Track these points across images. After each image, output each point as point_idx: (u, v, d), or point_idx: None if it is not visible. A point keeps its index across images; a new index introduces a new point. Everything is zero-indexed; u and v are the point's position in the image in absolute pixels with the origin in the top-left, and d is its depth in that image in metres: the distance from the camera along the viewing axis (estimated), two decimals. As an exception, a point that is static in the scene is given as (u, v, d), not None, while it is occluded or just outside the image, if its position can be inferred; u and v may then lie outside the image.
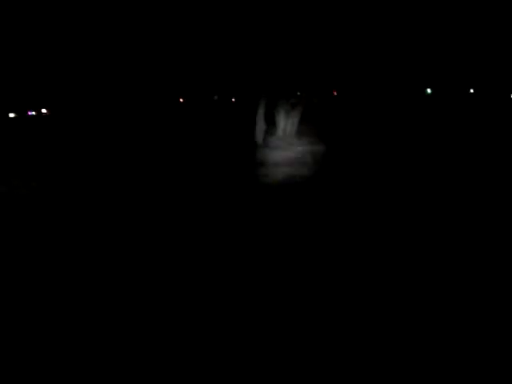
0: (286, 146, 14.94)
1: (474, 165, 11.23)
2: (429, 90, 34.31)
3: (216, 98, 27.28)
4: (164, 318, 4.01)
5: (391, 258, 5.20)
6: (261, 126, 16.32)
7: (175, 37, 20.16)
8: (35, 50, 20.22)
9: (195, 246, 5.86)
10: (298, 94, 18.69)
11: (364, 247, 5.65)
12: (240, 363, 3.31)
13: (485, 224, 6.46)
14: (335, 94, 24.96)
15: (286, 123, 17.17)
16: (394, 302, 4.11)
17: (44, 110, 21.95)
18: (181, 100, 27.28)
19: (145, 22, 20.08)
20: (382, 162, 12.06)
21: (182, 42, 20.60)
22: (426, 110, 28.51)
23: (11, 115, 20.34)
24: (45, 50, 20.32)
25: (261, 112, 16.47)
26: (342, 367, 3.22)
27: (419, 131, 18.53)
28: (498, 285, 4.40)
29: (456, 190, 8.73)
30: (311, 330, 3.71)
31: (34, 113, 21.35)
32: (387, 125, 20.20)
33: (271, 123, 16.72)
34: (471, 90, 35.26)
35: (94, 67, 21.81)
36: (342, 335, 3.60)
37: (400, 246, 5.63)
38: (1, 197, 8.66)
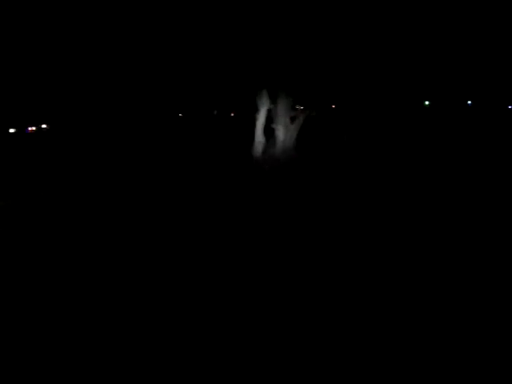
0: (284, 159, 14.96)
1: (471, 173, 11.25)
2: (427, 102, 34.49)
3: (215, 112, 27.46)
4: (164, 317, 3.98)
5: (391, 258, 5.18)
6: (259, 139, 16.37)
7: (175, 51, 20.31)
8: (34, 60, 20.34)
9: (193, 247, 5.87)
10: (297, 107, 18.79)
11: (364, 247, 5.63)
12: (240, 363, 3.27)
13: (485, 224, 6.45)
14: (333, 107, 25.12)
15: (285, 136, 17.22)
16: (393, 302, 4.08)
17: (44, 126, 22.03)
18: (180, 115, 27.44)
19: (143, 32, 20.22)
20: (382, 172, 12.09)
21: (181, 56, 20.75)
22: (424, 122, 28.63)
23: (11, 130, 20.40)
24: (44, 59, 20.45)
25: (259, 125, 16.53)
26: (342, 367, 3.18)
27: (417, 143, 18.59)
28: (498, 284, 4.38)
29: (453, 198, 8.72)
30: (311, 329, 3.68)
31: (33, 128, 21.41)
32: (386, 137, 20.27)
33: (270, 137, 16.77)
34: (469, 102, 35.45)
35: (90, 80, 21.94)
36: (342, 335, 3.56)
37: (399, 247, 5.61)
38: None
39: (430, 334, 3.56)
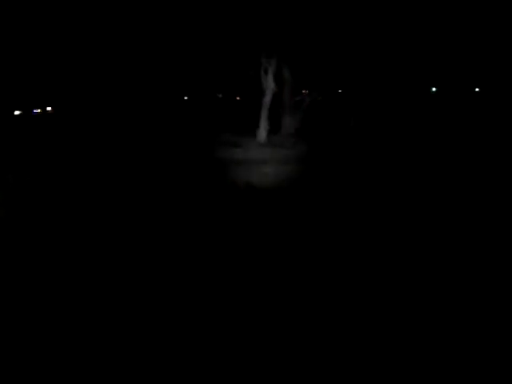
0: (289, 145, 14.90)
1: (475, 165, 11.17)
2: (434, 89, 34.15)
3: (220, 96, 27.30)
4: (163, 316, 4.00)
5: (390, 258, 5.17)
6: (264, 124, 16.30)
7: (179, 33, 20.13)
8: (38, 50, 20.31)
9: (193, 244, 5.86)
10: (303, 91, 18.65)
11: (364, 246, 5.62)
12: (240, 363, 3.29)
13: (485, 224, 6.41)
14: (340, 91, 24.89)
15: (291, 122, 17.15)
16: (393, 302, 4.09)
17: (49, 108, 22.00)
18: (185, 98, 27.30)
19: (150, 20, 20.06)
20: (385, 162, 12.02)
21: (186, 39, 20.57)
22: (430, 109, 28.37)
23: (16, 113, 20.40)
24: (47, 48, 20.40)
25: (265, 110, 16.44)
26: (342, 367, 3.20)
27: (424, 130, 18.44)
28: (498, 284, 4.37)
29: (456, 194, 8.68)
30: (310, 329, 3.69)
31: (38, 110, 21.40)
32: (392, 124, 20.11)
33: (275, 122, 16.69)
34: (476, 89, 35.03)
35: (99, 68, 21.86)
36: (342, 335, 3.58)
37: (399, 247, 5.59)
38: None
39: (430, 333, 3.56)
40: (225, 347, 3.49)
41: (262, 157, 12.91)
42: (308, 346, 3.47)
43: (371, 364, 3.22)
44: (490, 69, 32.55)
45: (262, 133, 16.18)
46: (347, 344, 3.47)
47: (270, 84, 16.42)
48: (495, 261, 4.99)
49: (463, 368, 3.14)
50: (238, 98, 26.58)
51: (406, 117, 23.41)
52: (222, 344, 3.54)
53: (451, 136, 16.57)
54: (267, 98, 16.40)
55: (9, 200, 8.10)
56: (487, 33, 27.55)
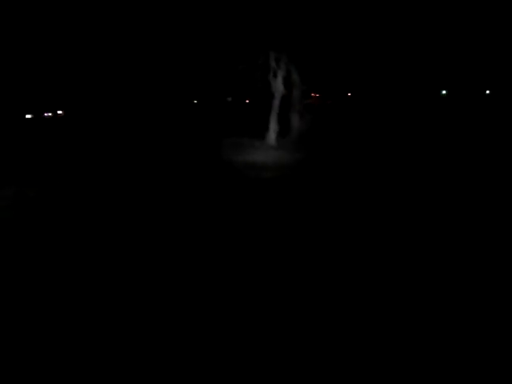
0: (298, 147, 14.88)
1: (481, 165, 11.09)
2: (444, 92, 34.02)
3: (230, 99, 27.40)
4: (163, 316, 4.01)
5: (389, 259, 5.14)
6: (273, 126, 16.33)
7: (190, 38, 20.23)
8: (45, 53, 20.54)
9: (196, 243, 5.87)
10: (312, 94, 18.64)
11: (363, 246, 5.59)
12: (239, 363, 3.29)
13: (485, 224, 6.36)
14: (349, 95, 24.86)
15: (300, 125, 17.15)
16: (392, 302, 4.06)
17: (59, 112, 22.24)
18: (195, 101, 27.45)
19: (161, 25, 20.20)
20: (393, 163, 11.97)
21: (196, 43, 20.67)
22: (441, 112, 28.20)
23: (28, 116, 20.64)
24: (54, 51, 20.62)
25: (274, 113, 16.47)
26: (342, 367, 3.18)
27: (434, 133, 18.32)
28: (498, 284, 4.34)
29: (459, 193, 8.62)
30: (309, 329, 3.68)
31: (50, 114, 21.64)
32: (401, 127, 20.02)
33: (284, 124, 16.70)
34: (487, 91, 34.80)
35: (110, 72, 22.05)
36: (342, 335, 3.56)
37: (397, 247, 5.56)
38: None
39: (430, 333, 3.54)
40: (224, 347, 3.49)
41: (271, 159, 12.91)
42: (308, 345, 3.45)
43: (371, 364, 3.20)
44: (500, 71, 32.32)
45: (272, 135, 16.21)
46: (347, 344, 3.45)
47: (279, 87, 16.45)
48: (495, 261, 4.95)
49: (463, 368, 3.11)
50: (247, 101, 26.66)
51: (416, 119, 23.29)
52: (222, 343, 3.53)
53: (461, 138, 16.45)
54: (276, 102, 16.43)
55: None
56: (497, 35, 27.36)
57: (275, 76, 16.66)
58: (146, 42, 21.36)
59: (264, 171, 11.11)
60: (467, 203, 7.76)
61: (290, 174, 10.64)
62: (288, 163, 12.14)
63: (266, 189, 9.23)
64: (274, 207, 7.75)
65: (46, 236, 6.35)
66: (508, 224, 6.48)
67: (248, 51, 18.06)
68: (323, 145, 15.13)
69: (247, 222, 6.85)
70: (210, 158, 13.13)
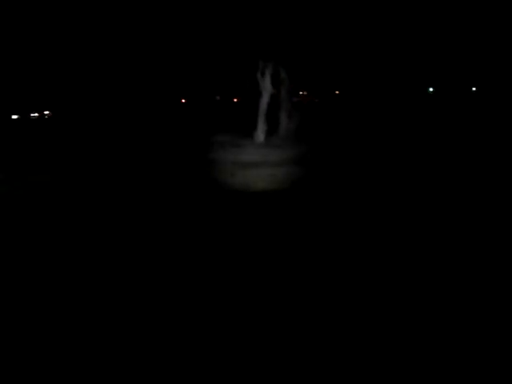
0: (286, 145, 14.91)
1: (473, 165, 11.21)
2: (431, 89, 34.22)
3: (218, 98, 27.30)
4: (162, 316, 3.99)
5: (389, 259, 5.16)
6: (262, 125, 16.33)
7: (175, 36, 20.18)
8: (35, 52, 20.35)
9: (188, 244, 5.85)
10: (301, 92, 18.69)
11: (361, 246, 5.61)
12: (239, 363, 3.28)
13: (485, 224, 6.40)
14: (337, 93, 24.93)
15: (288, 123, 17.17)
16: (392, 303, 4.07)
17: (46, 112, 22.02)
18: (183, 100, 27.30)
19: (144, 22, 20.10)
20: (381, 162, 12.05)
21: (182, 41, 20.61)
22: (428, 109, 28.39)
23: (14, 117, 20.43)
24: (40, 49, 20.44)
25: (262, 112, 16.47)
26: (342, 367, 3.19)
27: (422, 129, 18.45)
28: (498, 285, 4.36)
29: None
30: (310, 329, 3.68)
31: (36, 114, 21.43)
32: (389, 125, 20.13)
33: (273, 123, 16.71)
34: (473, 89, 35.06)
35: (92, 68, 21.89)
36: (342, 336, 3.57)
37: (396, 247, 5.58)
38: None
39: (430, 333, 3.55)
40: (224, 347, 3.48)
41: (260, 157, 12.94)
42: (307, 345, 3.45)
43: (371, 364, 3.21)
44: (486, 68, 32.62)
45: (260, 134, 16.22)
46: (347, 344, 3.45)
47: (267, 86, 16.45)
48: (495, 260, 4.96)
49: (463, 368, 3.12)
50: (235, 100, 26.60)
51: (403, 117, 23.43)
52: (222, 343, 3.53)
53: (448, 136, 16.59)
54: (264, 100, 16.44)
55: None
56: (482, 32, 27.62)
57: (263, 75, 16.66)
58: (131, 39, 21.24)
59: (251, 169, 11.14)
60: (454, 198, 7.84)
61: (277, 172, 10.68)
62: (275, 160, 12.19)
63: (252, 186, 9.24)
64: (262, 205, 7.77)
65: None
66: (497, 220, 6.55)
67: (235, 51, 18.06)
68: (311, 142, 15.15)
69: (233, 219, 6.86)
70: (196, 156, 13.13)
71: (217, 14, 17.17)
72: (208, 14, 17.53)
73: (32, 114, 21.30)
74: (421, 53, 28.24)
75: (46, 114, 22.14)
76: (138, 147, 14.36)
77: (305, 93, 19.34)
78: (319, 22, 16.76)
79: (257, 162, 12.12)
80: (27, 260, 5.37)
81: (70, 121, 20.66)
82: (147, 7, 19.58)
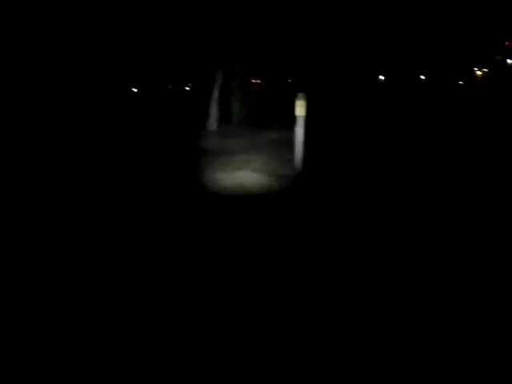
0: (239, 133, 14.88)
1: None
2: (381, 77, 35.06)
3: (170, 87, 26.91)
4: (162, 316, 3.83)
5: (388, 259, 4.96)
6: (214, 113, 16.20)
7: (126, 22, 19.71)
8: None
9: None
10: (252, 81, 18.69)
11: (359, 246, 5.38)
12: (239, 363, 3.21)
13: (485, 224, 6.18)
14: (289, 81, 25.12)
15: (240, 111, 17.13)
16: (392, 303, 3.98)
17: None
18: (134, 90, 26.73)
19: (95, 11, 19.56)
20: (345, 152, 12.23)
21: (137, 29, 20.19)
22: (380, 97, 29.06)
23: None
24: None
25: (214, 100, 16.34)
26: (342, 367, 3.14)
27: (374, 118, 18.87)
28: (498, 285, 4.30)
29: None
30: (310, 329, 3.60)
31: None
32: (336, 111, 20.48)
33: (225, 110, 16.63)
34: (422, 77, 36.24)
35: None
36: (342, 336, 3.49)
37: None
38: None
39: (430, 333, 3.53)
40: (224, 347, 3.38)
41: (212, 145, 12.86)
42: (307, 346, 3.39)
43: (371, 364, 3.18)
44: (434, 57, 33.70)
45: (212, 122, 16.10)
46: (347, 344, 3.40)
47: (218, 77, 16.38)
48: (495, 260, 4.88)
49: (463, 368, 3.13)
50: (187, 89, 26.32)
51: (354, 104, 23.87)
52: (221, 344, 3.42)
53: (401, 123, 17.05)
54: (216, 89, 16.34)
55: None
56: (429, 21, 28.46)
57: (217, 65, 16.56)
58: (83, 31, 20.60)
59: (202, 156, 11.05)
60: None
61: (229, 157, 10.63)
62: (226, 146, 12.13)
63: (205, 171, 9.17)
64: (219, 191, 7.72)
65: None
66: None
67: (191, 42, 17.85)
68: (263, 129, 15.17)
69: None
70: (150, 144, 12.88)
71: (174, 6, 16.84)
72: (165, 5, 17.17)
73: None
74: (371, 41, 28.83)
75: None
76: (82, 139, 13.88)
77: (257, 81, 19.37)
78: (272, 11, 16.71)
79: (206, 149, 12.03)
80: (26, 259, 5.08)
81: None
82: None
